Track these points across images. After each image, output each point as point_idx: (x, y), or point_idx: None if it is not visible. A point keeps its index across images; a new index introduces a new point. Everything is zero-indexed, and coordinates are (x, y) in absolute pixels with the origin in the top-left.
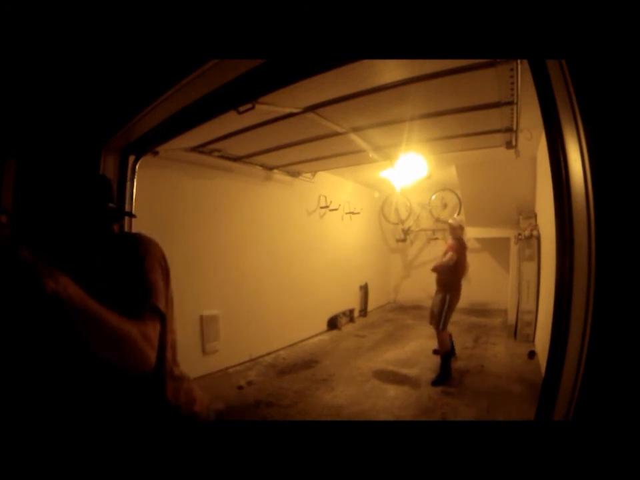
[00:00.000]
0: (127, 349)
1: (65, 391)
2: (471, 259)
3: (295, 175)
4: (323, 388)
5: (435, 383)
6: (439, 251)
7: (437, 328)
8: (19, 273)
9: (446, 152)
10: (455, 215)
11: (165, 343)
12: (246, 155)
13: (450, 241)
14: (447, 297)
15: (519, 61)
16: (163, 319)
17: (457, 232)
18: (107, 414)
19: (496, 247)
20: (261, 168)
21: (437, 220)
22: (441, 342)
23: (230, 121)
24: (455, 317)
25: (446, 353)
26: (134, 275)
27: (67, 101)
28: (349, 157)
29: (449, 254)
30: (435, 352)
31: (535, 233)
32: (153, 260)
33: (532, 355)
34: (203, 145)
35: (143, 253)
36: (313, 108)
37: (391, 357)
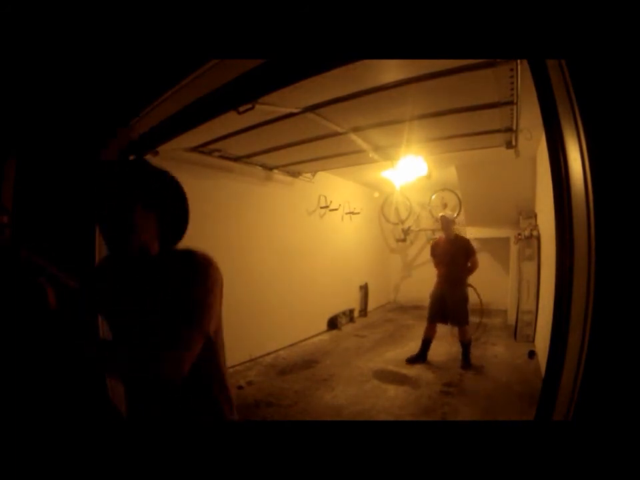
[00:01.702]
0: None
1: (64, 391)
2: None
3: (295, 175)
4: (323, 388)
5: (465, 367)
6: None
7: (465, 323)
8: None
9: (446, 152)
10: (449, 212)
11: (217, 357)
12: (246, 155)
13: (444, 236)
14: (466, 293)
15: (518, 61)
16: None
17: (450, 227)
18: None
19: (496, 247)
20: (261, 168)
21: (437, 220)
22: (467, 333)
23: (230, 121)
24: None
25: (469, 341)
26: (182, 296)
27: (67, 101)
28: (349, 157)
29: (475, 257)
30: (409, 360)
31: (534, 233)
32: (207, 281)
33: (532, 354)
34: (203, 145)
35: (196, 273)
36: (313, 108)
37: (390, 356)
